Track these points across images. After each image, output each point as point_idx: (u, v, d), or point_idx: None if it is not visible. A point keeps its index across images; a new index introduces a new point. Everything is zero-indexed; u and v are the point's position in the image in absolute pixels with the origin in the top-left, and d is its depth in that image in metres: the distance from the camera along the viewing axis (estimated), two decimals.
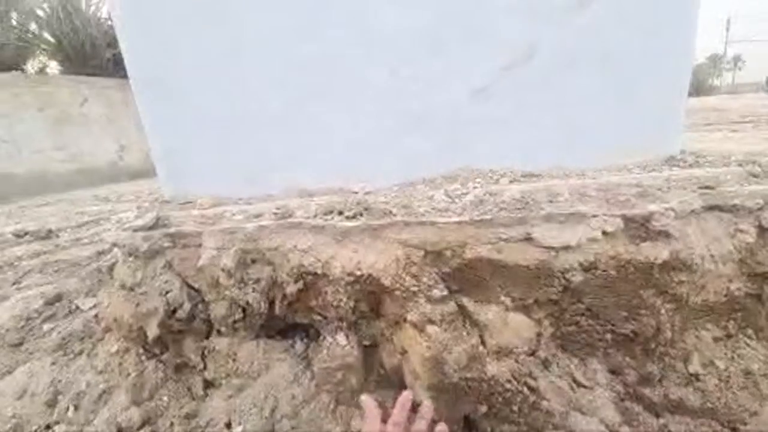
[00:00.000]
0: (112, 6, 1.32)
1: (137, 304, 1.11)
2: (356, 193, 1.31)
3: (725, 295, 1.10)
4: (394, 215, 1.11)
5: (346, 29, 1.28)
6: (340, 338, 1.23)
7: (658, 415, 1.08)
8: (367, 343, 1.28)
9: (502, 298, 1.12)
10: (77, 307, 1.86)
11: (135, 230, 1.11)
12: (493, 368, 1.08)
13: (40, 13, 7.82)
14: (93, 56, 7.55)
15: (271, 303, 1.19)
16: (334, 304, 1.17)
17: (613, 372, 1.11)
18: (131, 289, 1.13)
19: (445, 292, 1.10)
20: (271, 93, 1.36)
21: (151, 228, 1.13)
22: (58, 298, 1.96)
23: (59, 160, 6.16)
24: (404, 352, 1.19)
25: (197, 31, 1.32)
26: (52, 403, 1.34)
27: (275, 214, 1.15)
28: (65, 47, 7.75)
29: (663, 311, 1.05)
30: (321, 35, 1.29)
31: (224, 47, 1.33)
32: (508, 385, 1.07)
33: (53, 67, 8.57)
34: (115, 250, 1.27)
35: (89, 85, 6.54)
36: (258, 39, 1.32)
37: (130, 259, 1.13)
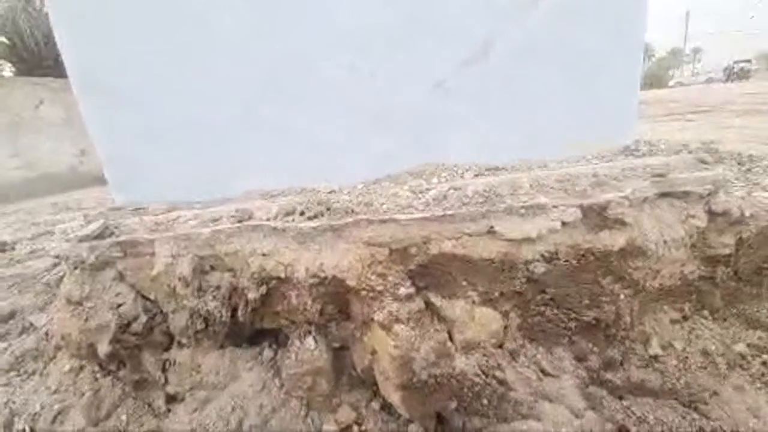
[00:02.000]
0: (49, 4, 1.23)
1: (86, 320, 1.04)
2: (320, 192, 1.28)
3: (680, 279, 1.13)
4: (357, 214, 1.09)
5: (303, 29, 1.24)
6: (309, 342, 1.20)
7: (621, 398, 1.11)
8: (337, 345, 1.25)
9: (469, 292, 1.12)
10: (31, 324, 1.75)
11: (80, 240, 1.04)
12: (461, 363, 1.08)
13: None
14: (48, 57, 7.13)
15: (234, 310, 1.14)
16: (300, 308, 1.14)
17: (577, 359, 1.13)
18: (79, 303, 1.06)
19: (412, 290, 1.09)
20: (227, 94, 1.30)
21: (97, 237, 1.06)
22: (12, 315, 1.84)
23: (15, 168, 5.79)
24: (374, 353, 1.17)
25: (144, 31, 1.25)
26: (8, 425, 1.26)
27: (233, 217, 1.11)
28: (19, 48, 7.29)
29: (622, 297, 1.07)
30: (279, 35, 1.25)
31: (174, 48, 1.26)
32: (476, 379, 1.07)
33: (7, 69, 8.06)
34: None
35: (45, 86, 6.16)
36: (212, 39, 1.26)
37: (76, 271, 1.06)
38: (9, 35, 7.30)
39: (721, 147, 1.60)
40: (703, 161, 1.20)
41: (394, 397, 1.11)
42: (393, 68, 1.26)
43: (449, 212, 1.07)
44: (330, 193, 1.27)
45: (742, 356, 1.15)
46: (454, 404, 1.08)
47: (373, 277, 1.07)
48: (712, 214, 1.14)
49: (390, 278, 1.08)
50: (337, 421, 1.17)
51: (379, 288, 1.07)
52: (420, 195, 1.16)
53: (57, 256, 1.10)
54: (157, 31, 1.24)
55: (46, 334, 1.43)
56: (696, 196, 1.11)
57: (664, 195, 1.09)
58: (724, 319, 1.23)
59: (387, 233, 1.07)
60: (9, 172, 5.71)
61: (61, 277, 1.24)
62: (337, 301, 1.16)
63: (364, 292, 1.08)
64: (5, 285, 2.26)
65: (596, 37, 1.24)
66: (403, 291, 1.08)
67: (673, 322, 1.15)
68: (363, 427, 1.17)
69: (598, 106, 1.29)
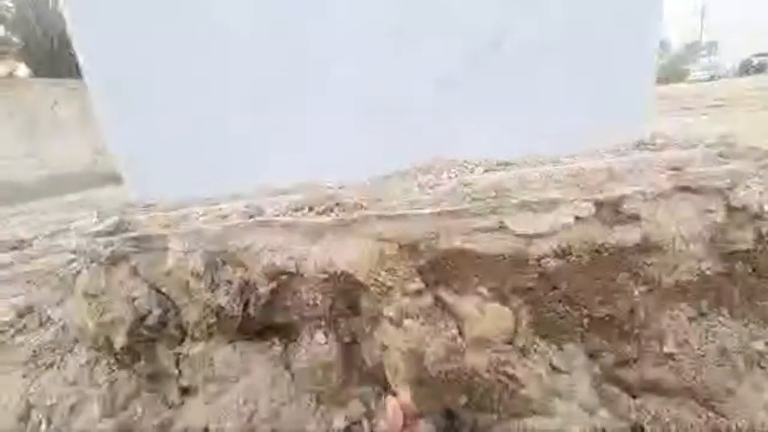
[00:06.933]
0: (64, 3, 1.25)
1: (102, 313, 1.06)
2: (329, 188, 1.28)
3: (697, 275, 1.11)
4: (366, 209, 1.09)
5: (309, 23, 1.24)
6: (319, 337, 1.21)
7: (635, 396, 1.10)
8: (347, 340, 1.26)
9: (479, 288, 1.11)
10: (48, 318, 1.80)
11: (96, 236, 1.06)
12: (472, 359, 1.07)
13: (6, 15, 7.51)
14: (63, 57, 7.29)
15: (246, 305, 1.16)
16: (310, 303, 1.14)
17: (590, 356, 1.11)
18: (95, 297, 1.08)
19: (422, 285, 1.09)
20: (237, 91, 1.31)
21: (112, 233, 1.08)
22: (30, 309, 1.89)
23: (32, 167, 5.94)
24: (384, 348, 1.17)
25: (156, 29, 1.26)
26: (24, 417, 1.30)
27: (244, 212, 1.12)
28: (33, 49, 7.47)
29: (637, 293, 1.05)
30: (285, 30, 1.25)
31: (185, 46, 1.27)
32: (487, 375, 1.07)
33: (22, 69, 8.27)
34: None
35: (59, 86, 6.30)
36: (221, 36, 1.27)
37: (92, 266, 1.08)
38: (23, 36, 7.48)
39: (738, 141, 1.55)
40: (720, 155, 1.17)
41: (404, 393, 1.11)
42: (402, 62, 1.25)
43: (459, 207, 1.06)
44: (339, 188, 1.27)
45: (761, 354, 1.12)
46: (464, 400, 1.07)
47: (382, 273, 1.07)
48: (730, 209, 1.11)
49: (400, 273, 1.08)
50: (347, 416, 1.18)
51: (389, 283, 1.07)
52: (429, 190, 1.15)
53: (73, 252, 1.13)
54: (169, 30, 1.26)
55: (63, 327, 1.47)
56: (714, 190, 1.08)
57: (680, 189, 1.07)
58: (743, 316, 1.20)
59: (396, 229, 1.07)
60: (26, 171, 5.86)
61: (77, 272, 1.26)
62: (347, 296, 1.16)
63: (373, 288, 1.08)
64: (23, 280, 2.33)
65: (610, 28, 1.22)
66: (413, 286, 1.07)
67: (690, 319, 1.13)
68: (373, 422, 1.18)
69: (611, 99, 1.27)
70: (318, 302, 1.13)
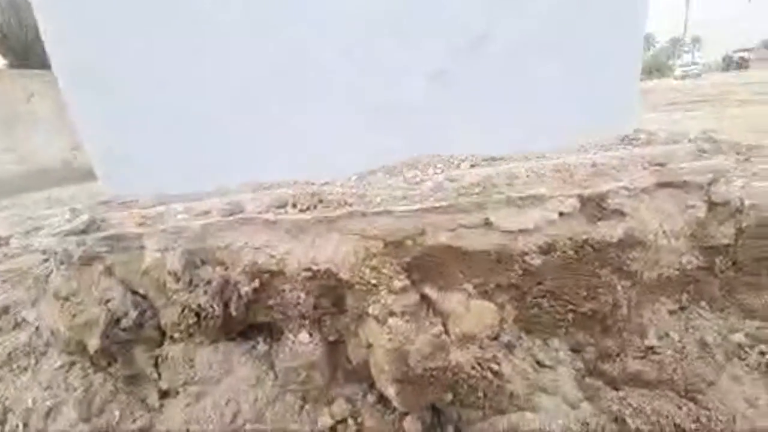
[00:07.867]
0: None
1: (74, 315, 1.02)
2: (312, 184, 1.25)
3: (678, 269, 1.12)
4: (351, 205, 1.06)
5: (299, 19, 1.21)
6: (303, 336, 1.19)
7: (617, 389, 1.11)
8: (332, 338, 1.24)
9: (465, 284, 1.11)
10: (24, 320, 1.73)
11: (66, 235, 1.02)
12: (457, 356, 1.07)
13: None
14: (38, 49, 7.02)
15: (227, 304, 1.13)
16: (293, 301, 1.12)
17: (573, 350, 1.12)
18: (66, 299, 1.04)
19: (407, 283, 1.07)
20: (221, 85, 1.26)
21: (83, 232, 1.03)
22: (5, 310, 1.82)
23: (8, 162, 5.72)
24: (369, 346, 1.16)
25: (133, 20, 1.21)
26: (1, 421, 1.25)
27: (224, 210, 1.08)
28: (9, 40, 7.17)
29: (619, 288, 1.06)
30: (273, 25, 1.21)
31: (166, 38, 1.22)
32: (472, 372, 1.06)
33: None
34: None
35: (36, 79, 6.06)
36: (205, 28, 1.22)
37: (63, 266, 1.04)
38: None
39: (720, 136, 1.57)
40: (702, 150, 1.18)
41: (390, 391, 1.10)
42: (391, 58, 1.22)
43: (445, 203, 1.04)
44: (323, 184, 1.24)
45: (740, 346, 1.15)
46: (449, 397, 1.07)
47: (367, 270, 1.06)
48: (711, 204, 1.12)
49: (385, 271, 1.06)
50: (332, 415, 1.16)
51: (374, 281, 1.06)
52: (415, 186, 1.13)
53: (44, 251, 1.08)
54: (147, 20, 1.20)
55: (37, 329, 1.42)
56: (696, 185, 1.09)
57: (663, 185, 1.07)
58: (722, 310, 1.22)
59: (381, 225, 1.05)
60: (3, 166, 5.64)
61: (49, 273, 1.21)
62: (332, 294, 1.14)
63: (358, 286, 1.06)
64: None
65: (596, 25, 1.21)
66: (398, 284, 1.06)
67: (670, 312, 1.14)
68: (358, 420, 1.17)
69: (597, 96, 1.26)
70: (301, 301, 1.11)
